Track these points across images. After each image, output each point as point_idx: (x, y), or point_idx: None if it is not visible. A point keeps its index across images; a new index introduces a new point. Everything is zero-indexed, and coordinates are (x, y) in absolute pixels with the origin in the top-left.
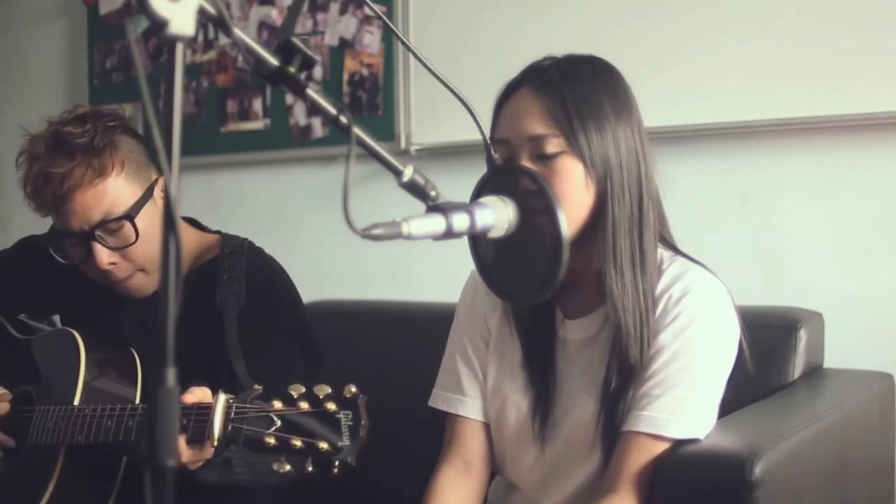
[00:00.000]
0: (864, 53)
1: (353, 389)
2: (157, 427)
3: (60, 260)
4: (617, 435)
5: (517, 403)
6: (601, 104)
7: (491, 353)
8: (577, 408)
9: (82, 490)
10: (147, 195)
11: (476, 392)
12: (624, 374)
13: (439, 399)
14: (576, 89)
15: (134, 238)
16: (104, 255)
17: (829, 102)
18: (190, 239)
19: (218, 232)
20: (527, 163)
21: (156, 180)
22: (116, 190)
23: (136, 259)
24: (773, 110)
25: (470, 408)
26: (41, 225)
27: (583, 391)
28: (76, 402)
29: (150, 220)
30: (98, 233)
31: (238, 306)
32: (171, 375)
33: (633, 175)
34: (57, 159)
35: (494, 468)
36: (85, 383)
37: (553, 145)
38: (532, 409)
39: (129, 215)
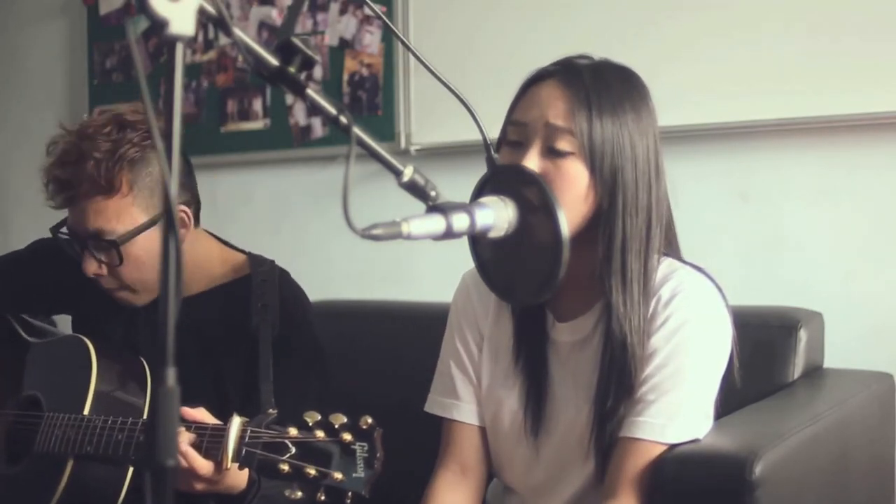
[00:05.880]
0: (864, 54)
1: (370, 421)
2: (158, 427)
3: (68, 249)
4: (613, 440)
5: (511, 406)
6: (626, 120)
7: (484, 357)
8: (570, 410)
9: (88, 500)
10: (147, 225)
11: (471, 396)
12: (617, 380)
13: (434, 404)
14: (604, 98)
15: (118, 262)
16: (89, 265)
17: (829, 102)
18: (213, 254)
19: (241, 250)
20: (535, 153)
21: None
22: (118, 210)
23: (122, 278)
24: (773, 110)
25: (465, 412)
26: (41, 224)
27: (575, 394)
28: (86, 411)
29: (146, 246)
30: (89, 243)
31: (272, 334)
32: (171, 375)
33: (645, 195)
34: (69, 164)
35: (491, 471)
36: (95, 392)
37: (567, 143)
38: (524, 412)
39: (116, 242)
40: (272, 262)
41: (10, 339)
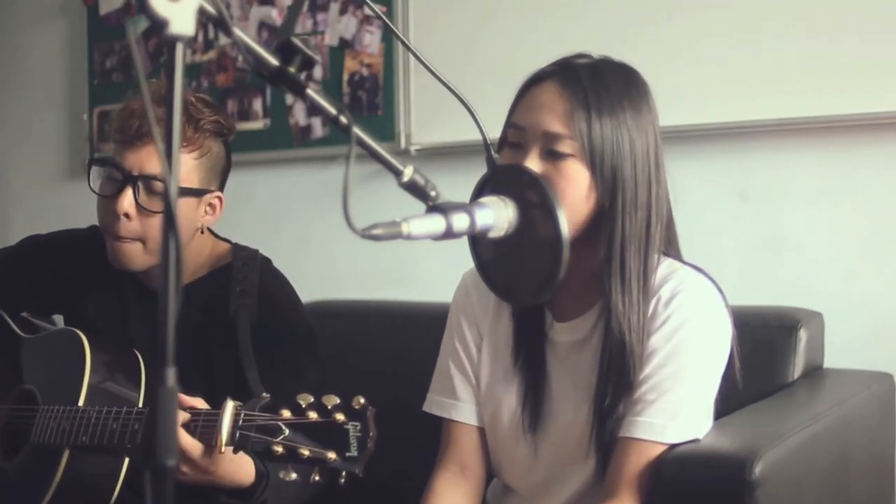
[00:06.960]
0: (864, 54)
1: (362, 401)
2: (158, 427)
3: (90, 186)
4: (612, 439)
5: (510, 405)
6: (624, 119)
7: (483, 356)
8: (569, 410)
9: (84, 490)
10: (196, 192)
11: (470, 396)
12: (616, 378)
13: (433, 404)
14: (602, 98)
15: (158, 209)
16: (126, 203)
17: (829, 102)
18: (204, 244)
19: (227, 240)
20: (535, 155)
21: (211, 192)
22: (184, 165)
23: (147, 228)
24: (773, 110)
25: (464, 412)
26: (41, 224)
27: (574, 394)
28: (81, 402)
29: (184, 209)
30: (140, 182)
31: (250, 319)
32: (171, 375)
33: (645, 193)
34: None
35: (491, 471)
36: (90, 384)
37: (566, 146)
38: (522, 410)
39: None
40: (255, 250)
41: (2, 334)
